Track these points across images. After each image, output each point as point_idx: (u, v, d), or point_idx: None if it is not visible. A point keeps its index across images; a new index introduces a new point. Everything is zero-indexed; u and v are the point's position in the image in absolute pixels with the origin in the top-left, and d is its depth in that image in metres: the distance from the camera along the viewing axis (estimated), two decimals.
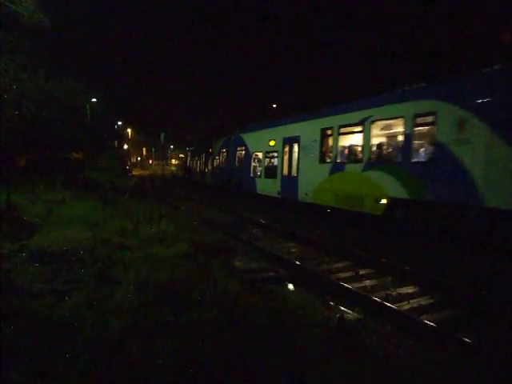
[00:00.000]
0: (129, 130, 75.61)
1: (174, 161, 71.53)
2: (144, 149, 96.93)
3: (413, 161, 9.64)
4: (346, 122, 12.11)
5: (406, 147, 9.82)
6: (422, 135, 9.68)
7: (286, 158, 15.41)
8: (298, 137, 14.51)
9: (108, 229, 9.40)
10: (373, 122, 11.02)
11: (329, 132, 12.92)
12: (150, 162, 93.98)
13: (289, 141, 15.24)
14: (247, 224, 12.28)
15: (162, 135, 37.77)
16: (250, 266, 7.06)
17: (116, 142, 52.56)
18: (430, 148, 9.25)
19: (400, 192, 9.88)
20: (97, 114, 34.82)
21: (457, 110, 8.53)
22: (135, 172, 55.69)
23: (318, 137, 13.37)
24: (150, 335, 3.95)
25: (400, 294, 6.11)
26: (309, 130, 13.90)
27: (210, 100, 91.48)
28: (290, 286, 6.38)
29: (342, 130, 12.32)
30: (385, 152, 10.85)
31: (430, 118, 9.22)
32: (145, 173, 56.50)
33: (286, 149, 15.41)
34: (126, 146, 67.06)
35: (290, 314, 4.78)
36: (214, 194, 22.49)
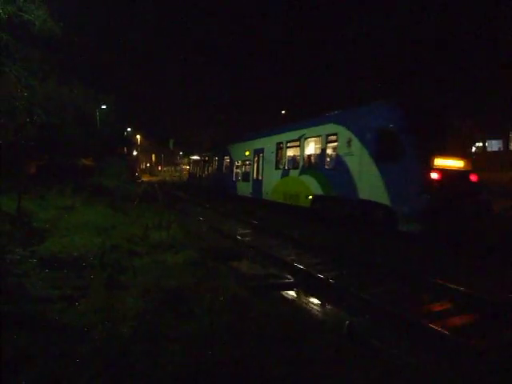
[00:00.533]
0: (138, 137, 76.38)
1: (184, 166, 71.94)
2: (153, 155, 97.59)
3: (326, 168, 13.20)
4: (291, 138, 15.75)
5: (323, 158, 13.43)
6: (331, 149, 13.17)
7: (255, 165, 19.31)
8: (263, 149, 18.42)
9: (117, 235, 9.52)
10: (305, 138, 14.69)
11: (281, 145, 16.65)
12: (160, 168, 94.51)
13: (257, 152, 19.11)
14: (253, 231, 12.40)
15: (171, 142, 38.07)
16: (258, 272, 7.09)
17: (125, 149, 53.04)
18: (334, 159, 12.67)
19: (319, 190, 13.47)
20: (106, 121, 35.24)
21: (347, 131, 11.99)
22: (144, 178, 56.08)
23: (274, 149, 17.18)
24: (159, 341, 4.00)
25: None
26: (269, 143, 17.82)
27: (218, 107, 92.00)
28: (298, 291, 6.40)
29: (289, 144, 16.00)
30: (312, 161, 14.36)
31: (334, 137, 12.75)
32: (154, 179, 56.89)
33: (256, 158, 19.27)
34: (135, 153, 67.66)
35: (299, 319, 4.80)
36: (216, 199, 22.62)
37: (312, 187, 13.87)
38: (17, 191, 11.31)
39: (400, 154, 9.75)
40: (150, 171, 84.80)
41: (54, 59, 13.57)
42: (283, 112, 52.59)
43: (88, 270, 6.41)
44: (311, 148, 14.72)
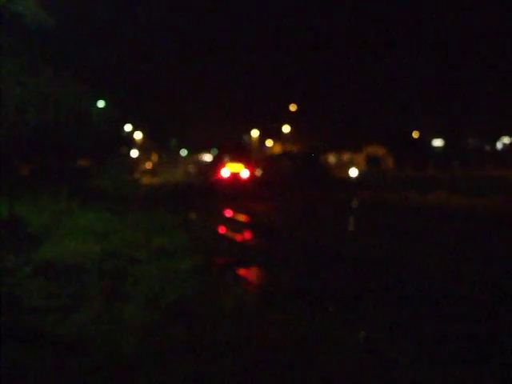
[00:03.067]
0: (138, 136, 76.63)
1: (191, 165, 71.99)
2: (154, 155, 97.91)
3: None
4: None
5: None
6: None
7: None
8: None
9: (117, 241, 9.54)
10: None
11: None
12: (161, 168, 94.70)
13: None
14: (261, 236, 12.41)
15: (174, 141, 38.23)
16: (268, 280, 7.05)
17: (125, 148, 53.30)
18: None
19: None
20: (104, 119, 35.41)
21: None
22: (145, 180, 56.31)
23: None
24: (163, 355, 3.96)
25: None
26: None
27: (223, 105, 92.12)
28: (311, 301, 6.31)
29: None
30: None
31: None
32: (155, 180, 57.10)
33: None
34: (135, 152, 67.84)
35: (311, 331, 4.72)
36: (217, 202, 22.79)
37: None
38: (9, 194, 11.37)
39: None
40: (152, 172, 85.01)
41: (47, 53, 13.60)
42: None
43: (85, 279, 6.40)
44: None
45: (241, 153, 33.09)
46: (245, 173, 30.67)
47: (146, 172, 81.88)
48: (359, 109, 55.58)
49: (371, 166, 42.79)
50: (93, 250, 8.20)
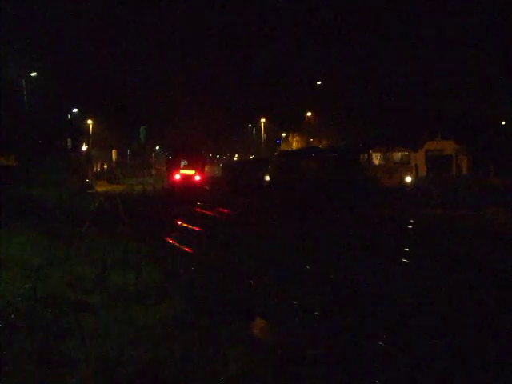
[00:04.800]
0: (90, 123, 76.98)
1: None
2: (114, 151, 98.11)
3: None
4: None
5: None
6: None
7: None
8: None
9: (57, 278, 9.63)
10: None
11: None
12: (123, 170, 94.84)
13: None
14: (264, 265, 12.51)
15: (143, 131, 38.40)
16: (279, 337, 7.01)
17: (70, 141, 53.39)
18: None
19: None
20: (39, 96, 35.49)
21: None
22: (100, 187, 56.49)
23: None
24: None
25: None
26: None
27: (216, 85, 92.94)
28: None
29: None
30: None
31: None
32: (115, 188, 57.29)
33: None
34: (85, 147, 68.10)
35: None
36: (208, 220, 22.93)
37: None
38: None
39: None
40: (109, 176, 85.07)
41: None
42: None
43: (9, 336, 6.40)
44: None
45: (195, 157, 47.79)
46: (196, 177, 46.21)
47: (102, 176, 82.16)
48: (416, 86, 55.63)
49: (435, 170, 42.48)
50: (20, 291, 8.19)
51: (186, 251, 14.77)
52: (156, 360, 5.45)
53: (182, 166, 46.54)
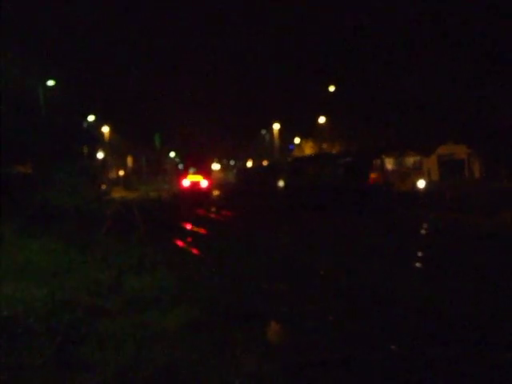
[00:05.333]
0: (106, 130, 77.35)
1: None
2: (129, 158, 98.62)
3: None
4: None
5: None
6: None
7: None
8: None
9: (74, 283, 9.68)
10: None
11: None
12: (138, 177, 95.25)
13: None
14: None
15: (157, 138, 38.50)
16: (297, 341, 6.97)
17: (86, 148, 53.69)
18: None
19: None
20: (56, 104, 35.67)
21: None
22: (116, 194, 56.69)
23: None
24: None
25: None
26: None
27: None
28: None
29: None
30: None
31: None
32: (130, 194, 57.46)
33: None
34: (100, 154, 68.43)
35: None
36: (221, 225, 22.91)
37: None
38: None
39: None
40: (126, 182, 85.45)
41: None
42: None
43: (27, 340, 6.44)
44: None
45: (202, 164, 52.01)
46: (203, 183, 49.56)
47: (117, 182, 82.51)
48: (429, 89, 55.28)
49: (448, 175, 42.32)
50: (38, 296, 8.25)
51: (200, 256, 14.80)
52: (171, 364, 5.46)
53: (190, 172, 50.28)
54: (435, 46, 55.07)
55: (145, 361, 5.74)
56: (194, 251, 15.82)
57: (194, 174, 50.12)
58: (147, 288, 9.16)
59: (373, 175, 34.06)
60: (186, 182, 49.53)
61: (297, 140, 76.61)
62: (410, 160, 36.81)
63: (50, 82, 34.43)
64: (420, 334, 7.35)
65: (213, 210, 34.61)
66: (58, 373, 5.41)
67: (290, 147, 77.74)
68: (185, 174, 50.91)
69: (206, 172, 51.26)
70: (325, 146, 67.62)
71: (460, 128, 49.35)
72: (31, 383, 5.24)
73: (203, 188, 49.32)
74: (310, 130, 69.66)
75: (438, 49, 55.07)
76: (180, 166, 56.00)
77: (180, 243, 17.61)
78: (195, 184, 49.24)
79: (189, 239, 19.23)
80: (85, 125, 58.69)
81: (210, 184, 50.81)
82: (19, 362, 5.73)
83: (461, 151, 45.67)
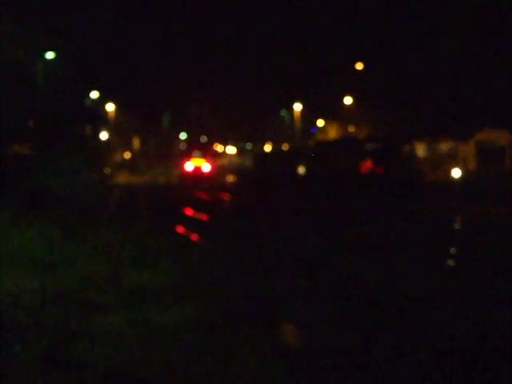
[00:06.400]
0: (111, 108, 77.46)
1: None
2: (136, 139, 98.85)
3: None
4: None
5: None
6: None
7: None
8: None
9: (68, 275, 9.75)
10: None
11: None
12: (145, 160, 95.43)
13: None
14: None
15: (166, 117, 38.55)
16: (310, 342, 6.96)
17: (89, 128, 53.82)
18: None
19: None
20: (56, 80, 35.78)
21: None
22: (120, 178, 56.96)
23: None
24: None
25: None
26: None
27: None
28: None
29: None
30: None
31: None
32: (136, 179, 57.71)
33: None
34: (105, 135, 68.62)
35: None
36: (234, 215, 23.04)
37: None
38: None
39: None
40: (132, 166, 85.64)
41: None
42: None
43: (15, 336, 6.42)
44: None
45: (205, 149, 61.61)
46: (206, 167, 55.50)
47: (123, 166, 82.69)
48: (465, 71, 54.81)
49: (487, 163, 41.89)
50: (29, 288, 8.31)
51: (207, 247, 14.82)
52: (168, 364, 5.48)
53: (195, 156, 57.04)
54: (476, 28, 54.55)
55: (142, 361, 5.74)
56: (199, 242, 15.88)
57: (198, 158, 56.56)
58: (147, 282, 9.20)
59: (367, 163, 34.26)
60: (190, 166, 55.55)
61: (320, 122, 76.24)
62: (445, 146, 36.53)
63: (50, 55, 34.46)
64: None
65: (225, 198, 34.65)
66: (45, 371, 5.41)
67: (313, 130, 77.50)
68: (188, 157, 57.56)
69: (210, 155, 58.32)
70: (351, 129, 67.39)
71: (501, 112, 48.82)
72: (17, 382, 5.25)
73: (205, 172, 55.02)
74: (334, 112, 69.34)
75: (479, 32, 54.58)
76: (183, 149, 63.52)
77: (184, 232, 17.69)
78: (198, 168, 55.23)
79: (193, 229, 19.29)
80: (88, 102, 58.83)
81: (213, 168, 56.45)
82: (6, 360, 5.76)
83: (502, 137, 45.07)
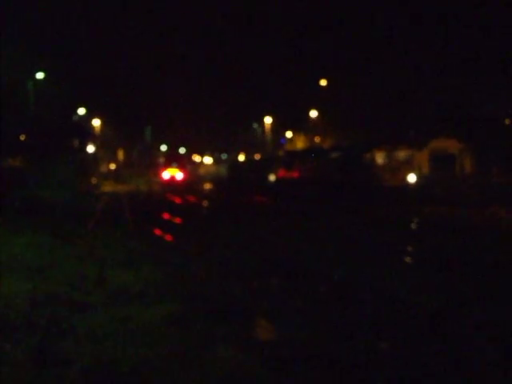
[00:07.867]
0: (96, 123, 77.01)
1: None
2: (120, 151, 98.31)
3: None
4: None
5: None
6: None
7: None
8: None
9: (58, 278, 9.66)
10: None
11: None
12: (129, 170, 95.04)
13: None
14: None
15: (148, 131, 38.45)
16: (279, 336, 6.97)
17: (77, 141, 53.51)
18: None
19: None
20: (46, 98, 35.51)
21: None
22: (106, 187, 56.54)
23: None
24: None
25: None
26: None
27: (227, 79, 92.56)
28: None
29: None
30: None
31: None
32: (120, 188, 57.29)
33: None
34: (91, 148, 68.11)
35: None
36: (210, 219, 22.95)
37: None
38: None
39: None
40: (116, 176, 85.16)
41: None
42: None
43: (7, 334, 6.42)
44: None
45: (180, 160, 67.15)
46: (179, 175, 61.40)
47: (108, 176, 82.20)
48: (419, 84, 55.45)
49: (439, 169, 42.36)
50: (21, 291, 8.24)
51: (187, 250, 14.78)
52: (150, 359, 5.47)
53: (172, 166, 63.25)
54: (428, 41, 55.21)
55: (125, 355, 5.74)
56: (181, 245, 15.83)
57: (174, 168, 63.12)
58: (131, 283, 9.17)
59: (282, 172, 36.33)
60: (167, 175, 62.07)
61: (289, 134, 76.58)
62: (402, 154, 36.78)
63: (40, 75, 34.15)
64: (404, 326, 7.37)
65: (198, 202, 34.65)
66: (35, 369, 5.38)
67: (282, 141, 77.72)
68: (166, 167, 64.64)
69: (183, 166, 64.93)
70: (317, 140, 67.71)
71: (452, 122, 49.36)
72: (9, 379, 5.21)
73: (179, 180, 60.77)
74: (301, 124, 69.73)
75: (431, 42, 55.26)
76: (161, 160, 68.54)
77: (161, 234, 17.66)
78: (173, 177, 61.72)
79: (177, 233, 19.22)
80: (75, 118, 58.47)
81: (185, 176, 62.73)
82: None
83: (452, 146, 45.59)
